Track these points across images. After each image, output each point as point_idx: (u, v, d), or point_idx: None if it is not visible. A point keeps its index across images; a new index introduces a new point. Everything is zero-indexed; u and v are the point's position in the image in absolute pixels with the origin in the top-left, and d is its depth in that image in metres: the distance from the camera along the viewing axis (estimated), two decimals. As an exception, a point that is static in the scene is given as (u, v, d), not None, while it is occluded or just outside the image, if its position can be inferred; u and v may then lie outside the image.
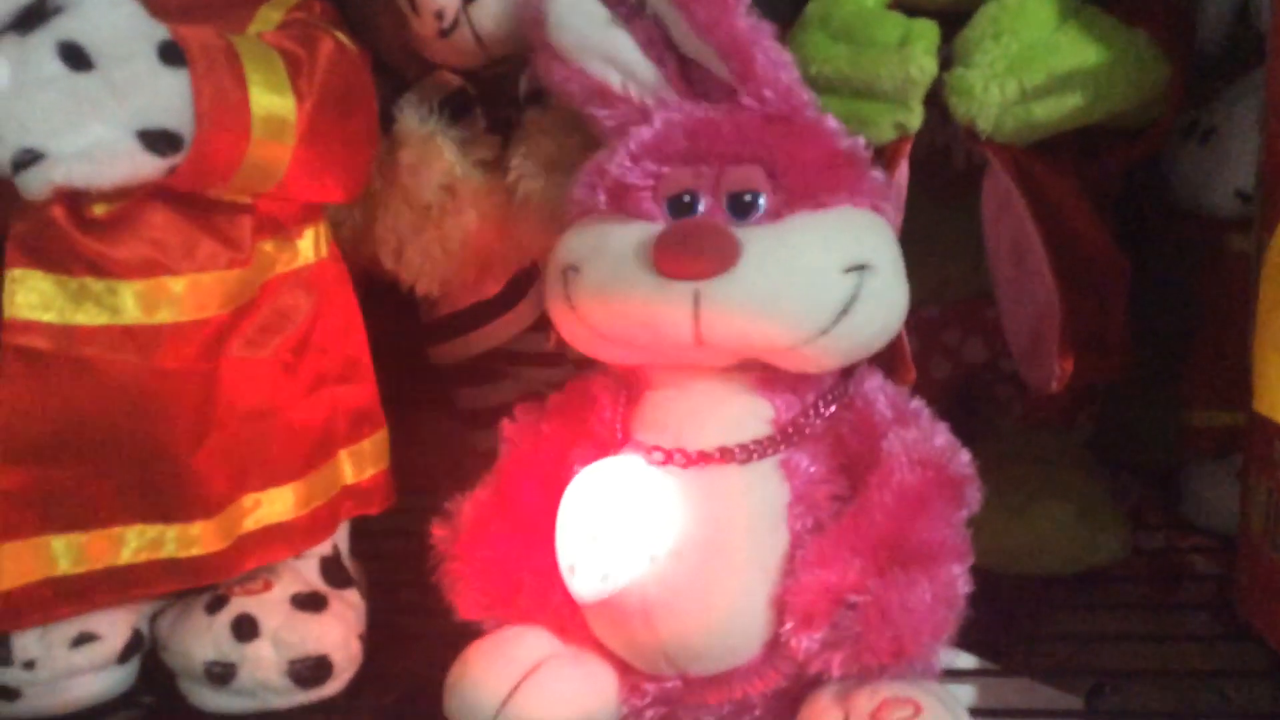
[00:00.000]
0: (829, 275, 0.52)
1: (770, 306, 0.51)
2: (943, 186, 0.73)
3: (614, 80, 0.59)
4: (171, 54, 0.51)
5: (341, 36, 0.60)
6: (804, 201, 0.54)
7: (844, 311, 0.52)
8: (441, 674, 0.56)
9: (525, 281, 0.72)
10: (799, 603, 0.52)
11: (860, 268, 0.52)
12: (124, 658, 0.61)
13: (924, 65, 0.61)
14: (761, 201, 0.54)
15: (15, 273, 0.52)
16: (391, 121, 0.69)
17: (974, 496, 0.55)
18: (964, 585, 0.53)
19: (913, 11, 0.64)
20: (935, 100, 0.63)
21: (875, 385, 0.57)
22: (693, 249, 0.51)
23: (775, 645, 0.53)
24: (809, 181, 0.54)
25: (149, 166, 0.51)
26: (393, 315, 0.74)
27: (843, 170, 0.55)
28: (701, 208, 0.55)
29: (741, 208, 0.54)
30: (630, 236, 0.54)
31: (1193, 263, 0.81)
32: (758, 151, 0.54)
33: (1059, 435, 0.79)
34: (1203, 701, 0.69)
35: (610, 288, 0.54)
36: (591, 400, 0.59)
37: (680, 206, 0.55)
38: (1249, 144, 0.66)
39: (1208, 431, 0.80)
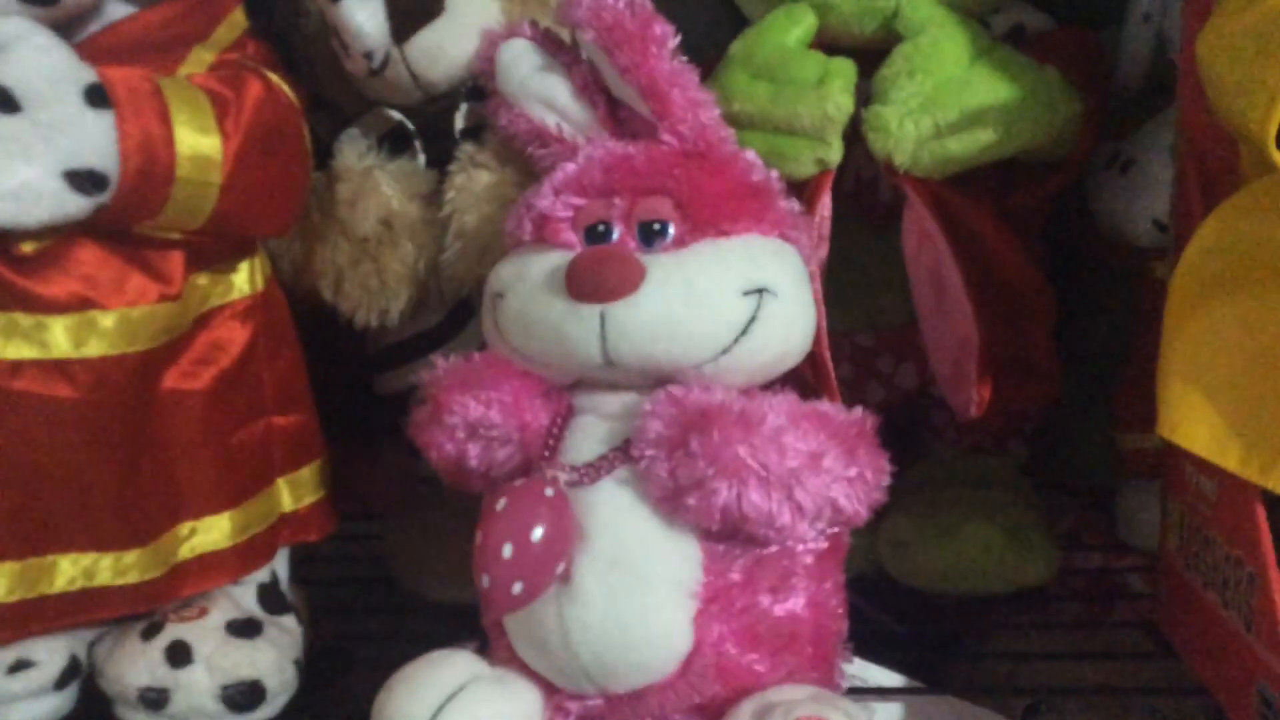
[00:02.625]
0: (727, 298, 0.54)
1: (671, 327, 0.54)
2: (872, 217, 0.75)
3: (550, 122, 0.63)
4: (97, 96, 0.52)
5: (272, 77, 0.62)
6: (709, 229, 0.56)
7: (743, 332, 0.54)
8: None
9: (465, 312, 0.74)
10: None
11: (759, 290, 0.55)
12: (61, 684, 0.61)
13: (841, 103, 0.63)
14: (669, 230, 0.56)
15: None
16: (331, 157, 0.71)
17: None
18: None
19: (833, 49, 0.66)
20: (860, 135, 0.65)
21: None
22: (598, 274, 0.54)
23: (692, 661, 0.54)
24: (714, 211, 0.56)
25: (75, 206, 0.53)
26: (341, 342, 0.75)
27: (749, 200, 0.58)
28: (614, 237, 0.57)
29: (650, 235, 0.56)
30: (548, 264, 0.57)
31: (1121, 289, 0.83)
32: (667, 184, 0.57)
33: (992, 459, 0.81)
34: (1135, 718, 0.71)
35: (529, 312, 0.57)
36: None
37: (595, 235, 0.57)
38: (1166, 176, 0.68)
39: (1139, 454, 0.82)
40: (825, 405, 0.55)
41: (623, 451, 0.56)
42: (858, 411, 0.56)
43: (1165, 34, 0.74)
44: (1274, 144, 0.48)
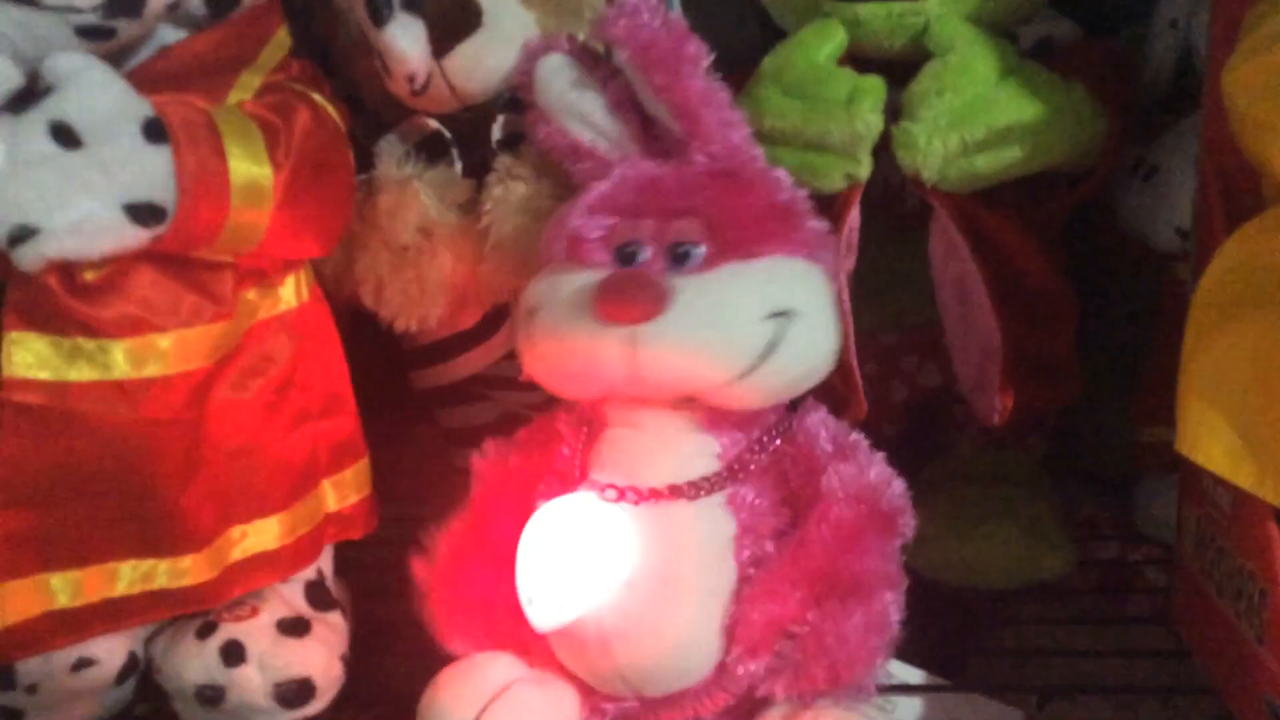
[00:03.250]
0: (751, 320, 0.56)
1: (697, 349, 0.55)
2: (898, 223, 0.76)
3: (585, 137, 0.64)
4: (155, 131, 0.54)
5: (319, 99, 0.63)
6: (736, 251, 0.58)
7: (766, 354, 0.56)
8: (419, 688, 0.59)
9: (500, 314, 0.75)
10: (744, 634, 0.56)
11: (783, 314, 0.56)
12: (121, 679, 0.64)
13: (870, 121, 0.64)
14: (697, 252, 0.58)
15: (13, 335, 0.56)
16: (371, 161, 0.73)
17: (907, 525, 0.59)
18: (896, 612, 0.57)
19: (863, 63, 0.68)
20: (889, 144, 0.66)
21: (818, 420, 0.61)
22: (626, 296, 0.55)
23: (724, 668, 0.57)
24: (742, 233, 0.58)
25: (135, 237, 0.55)
26: (382, 335, 0.77)
27: (777, 222, 0.59)
28: (644, 257, 0.59)
29: (679, 257, 0.58)
30: (579, 283, 0.58)
31: (1143, 288, 0.84)
32: (697, 205, 0.58)
33: (1013, 454, 0.82)
34: (1150, 715, 0.73)
35: (560, 330, 0.58)
36: (555, 437, 0.63)
37: (626, 256, 0.59)
38: (1189, 183, 0.69)
39: (1158, 447, 0.83)
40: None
41: (673, 487, 0.58)
42: None
43: (1191, 41, 0.75)
44: (1294, 182, 0.49)
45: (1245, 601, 0.58)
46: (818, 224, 0.61)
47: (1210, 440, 0.56)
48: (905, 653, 0.67)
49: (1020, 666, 0.79)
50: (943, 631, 0.75)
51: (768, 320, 0.56)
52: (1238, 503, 0.59)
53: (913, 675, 0.68)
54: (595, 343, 0.56)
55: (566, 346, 0.58)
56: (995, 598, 0.78)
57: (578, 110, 0.64)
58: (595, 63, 0.65)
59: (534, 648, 0.61)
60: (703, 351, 0.55)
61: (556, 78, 0.65)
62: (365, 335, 0.76)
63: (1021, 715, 0.68)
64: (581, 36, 0.67)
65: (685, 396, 0.58)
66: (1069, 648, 0.78)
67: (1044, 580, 0.75)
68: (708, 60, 0.59)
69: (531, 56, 0.66)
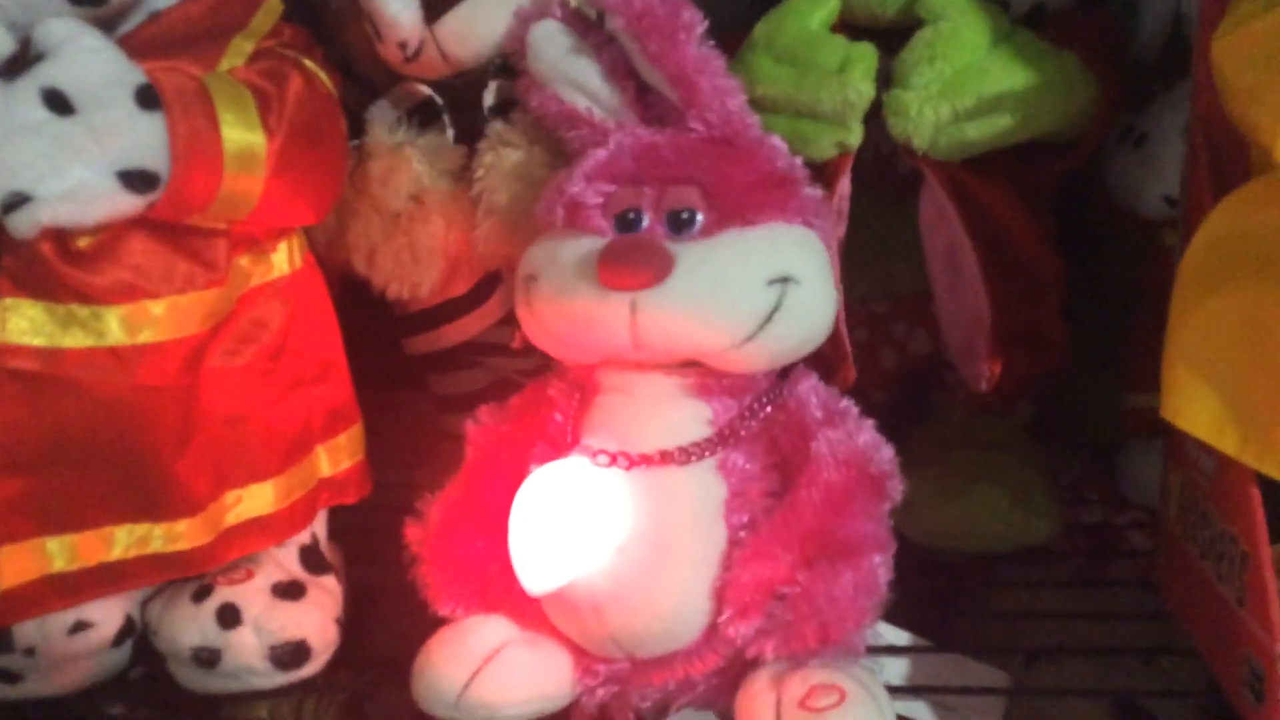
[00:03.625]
0: (753, 286, 0.57)
1: (698, 315, 0.56)
2: (889, 190, 0.76)
3: (580, 104, 0.64)
4: (148, 98, 0.54)
5: (310, 66, 0.63)
6: (735, 219, 0.58)
7: (767, 320, 0.57)
8: (413, 651, 0.61)
9: (492, 281, 0.76)
10: (735, 595, 0.57)
11: (784, 280, 0.57)
12: (118, 642, 0.65)
13: (861, 89, 0.65)
14: (697, 219, 0.58)
15: (6, 301, 0.56)
16: (362, 128, 0.73)
17: (895, 489, 0.60)
18: (885, 574, 0.58)
19: (856, 31, 0.68)
20: (880, 111, 0.66)
21: (808, 387, 0.61)
22: (629, 263, 0.56)
23: (715, 630, 0.58)
24: (741, 200, 0.58)
25: (128, 204, 0.55)
26: (374, 303, 0.78)
27: (775, 189, 0.59)
28: (644, 224, 0.59)
29: (679, 224, 0.58)
30: (580, 250, 0.59)
31: (1130, 255, 0.84)
32: (695, 173, 0.59)
33: (1001, 420, 0.83)
34: (1133, 676, 0.74)
35: (561, 296, 0.59)
36: (547, 403, 0.64)
37: (626, 223, 0.59)
38: (1177, 152, 0.69)
39: (1143, 413, 0.84)
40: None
41: (664, 453, 0.58)
42: None
43: (1182, 9, 0.75)
44: (1280, 151, 0.50)
45: (1227, 564, 0.59)
46: (814, 191, 0.61)
47: (1195, 406, 0.57)
48: (893, 615, 0.68)
49: (1006, 629, 0.80)
50: (930, 594, 0.76)
51: (769, 286, 0.57)
52: (1221, 468, 0.60)
53: (900, 637, 0.69)
54: (598, 308, 0.57)
55: (568, 312, 0.58)
56: (982, 561, 0.79)
57: (571, 77, 0.64)
58: (588, 29, 0.65)
59: (527, 611, 0.61)
60: (705, 317, 0.56)
61: (549, 44, 0.65)
62: (358, 302, 0.76)
63: (1006, 676, 0.69)
64: (574, 2, 0.67)
65: (686, 361, 0.59)
66: (1054, 610, 0.78)
67: (1030, 544, 0.76)
68: (703, 27, 0.59)
69: (524, 22, 0.66)
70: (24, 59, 0.53)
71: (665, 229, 0.59)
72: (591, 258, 0.57)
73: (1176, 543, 0.68)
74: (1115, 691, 0.73)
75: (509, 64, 0.69)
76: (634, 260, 0.56)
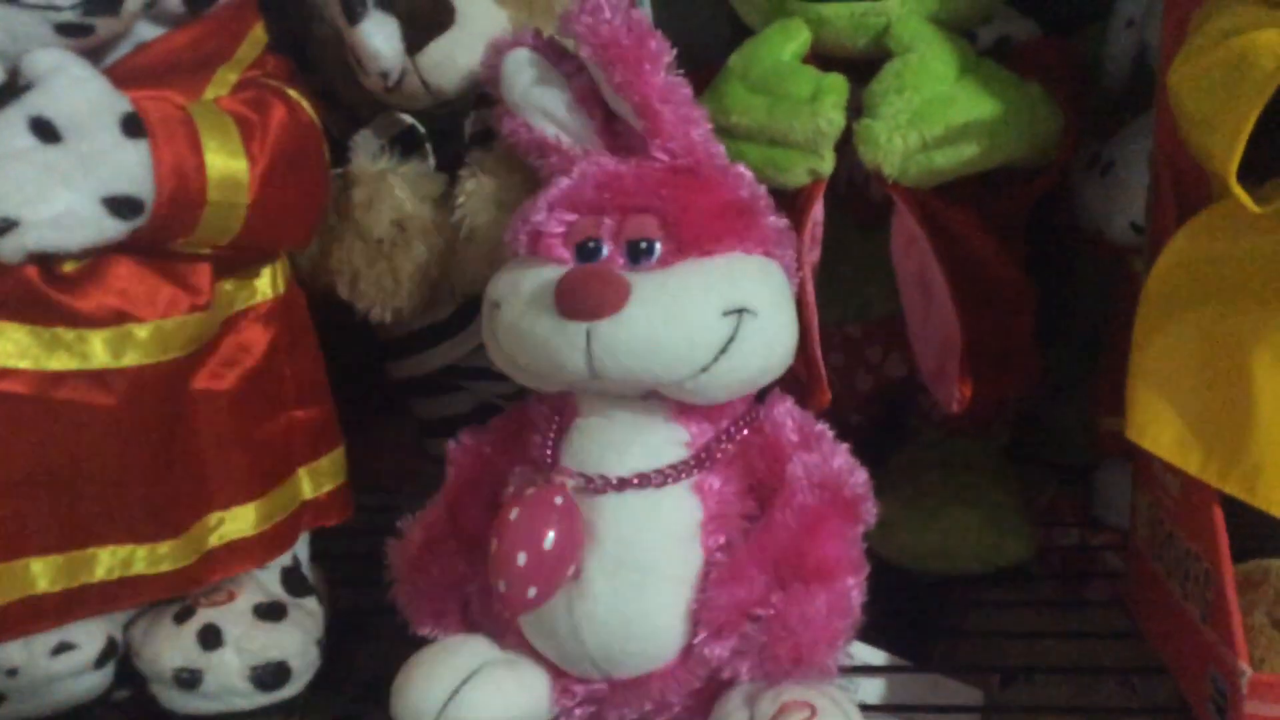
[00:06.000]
0: (708, 317, 0.57)
1: (653, 345, 0.56)
2: (862, 216, 0.78)
3: (549, 132, 0.65)
4: (133, 126, 0.56)
5: (293, 94, 0.65)
6: (693, 249, 0.58)
7: (722, 351, 0.57)
8: (394, 672, 0.61)
9: (474, 306, 0.76)
10: (710, 616, 0.58)
11: (740, 311, 0.57)
12: (100, 663, 0.65)
13: (833, 119, 0.66)
14: (656, 248, 0.59)
15: None
16: (345, 155, 0.74)
17: (869, 512, 0.61)
18: (858, 596, 0.59)
19: (826, 62, 0.69)
20: (852, 139, 0.68)
21: (784, 410, 0.62)
22: (584, 293, 0.56)
23: (691, 651, 0.59)
24: (700, 230, 0.59)
25: (114, 230, 0.56)
26: (356, 327, 0.79)
27: (735, 219, 0.60)
28: (604, 254, 0.59)
29: (637, 254, 0.59)
30: (540, 279, 0.59)
31: (1100, 280, 0.86)
32: (655, 202, 0.59)
33: (975, 443, 0.84)
34: (1108, 696, 0.75)
35: (521, 324, 0.59)
36: (527, 425, 0.65)
37: (586, 252, 0.60)
38: (1143, 180, 0.71)
39: (1117, 435, 0.83)
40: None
41: (641, 476, 0.59)
42: None
43: (1147, 40, 0.77)
44: (1234, 179, 0.51)
45: (1192, 582, 0.61)
46: (777, 221, 0.62)
47: (1158, 427, 0.58)
48: (869, 635, 0.69)
49: (982, 648, 0.81)
50: (906, 615, 0.77)
51: (725, 317, 0.57)
52: (1185, 488, 0.61)
53: (876, 656, 0.70)
54: (555, 338, 0.57)
55: (528, 340, 0.58)
56: (958, 582, 0.80)
57: (541, 105, 0.65)
58: (561, 58, 0.66)
59: (505, 631, 0.62)
60: (659, 347, 0.56)
61: (521, 73, 0.65)
62: (341, 326, 0.77)
63: (983, 695, 0.70)
64: (549, 33, 0.68)
65: (644, 390, 0.59)
66: (1030, 630, 0.79)
67: (1005, 565, 0.77)
68: (669, 57, 0.60)
69: (498, 52, 0.66)
70: (12, 88, 0.55)
71: (624, 259, 0.59)
72: (550, 286, 0.57)
73: (1145, 562, 0.69)
74: (1090, 709, 0.74)
75: (488, 94, 0.70)
76: (589, 290, 0.56)
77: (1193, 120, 0.55)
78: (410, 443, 0.92)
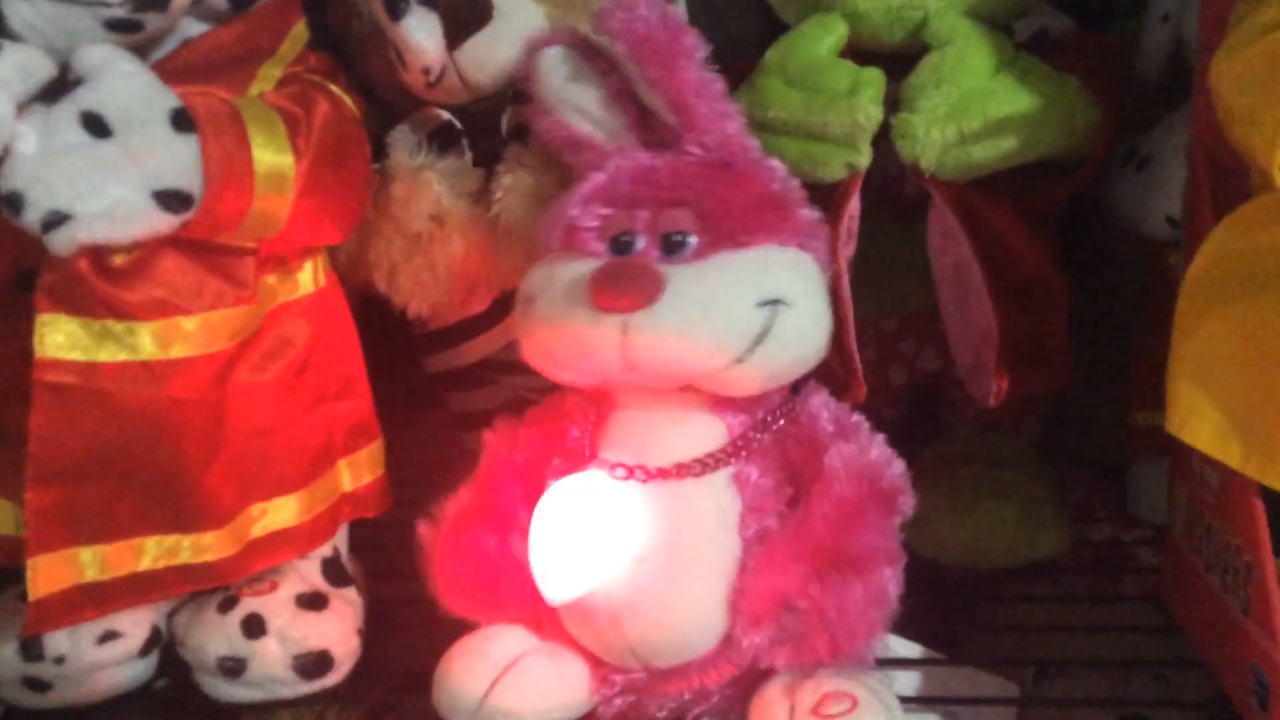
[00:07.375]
0: (742, 308, 0.57)
1: (688, 337, 0.57)
2: (898, 210, 0.78)
3: (584, 129, 0.65)
4: (182, 121, 0.56)
5: (336, 91, 0.65)
6: (728, 241, 0.59)
7: (757, 342, 0.57)
8: (434, 662, 0.62)
9: (509, 301, 0.77)
10: (748, 606, 0.58)
11: (774, 302, 0.58)
12: (144, 652, 0.67)
13: (870, 113, 0.66)
14: (690, 241, 0.59)
15: (45, 317, 0.58)
16: (384, 151, 0.75)
17: (906, 503, 0.61)
18: (894, 587, 0.59)
19: (863, 56, 0.70)
20: (888, 134, 0.68)
21: (819, 401, 0.63)
22: (620, 285, 0.57)
23: (729, 640, 0.59)
24: (734, 223, 0.59)
25: (163, 223, 0.57)
26: (393, 322, 0.79)
27: (769, 212, 0.60)
28: (638, 247, 0.60)
29: (672, 247, 0.59)
30: (574, 272, 0.59)
31: (1135, 275, 0.86)
32: (689, 196, 0.60)
33: (1008, 438, 0.84)
34: (1141, 690, 0.75)
35: (555, 318, 0.59)
36: (564, 417, 0.65)
37: (620, 246, 0.61)
38: (1180, 174, 0.70)
39: (1150, 430, 0.85)
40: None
41: (680, 466, 0.60)
42: None
43: (1183, 34, 0.77)
44: (1278, 170, 0.51)
45: (1232, 576, 0.61)
46: (810, 213, 0.62)
47: (1198, 420, 0.58)
48: (904, 628, 0.70)
49: (1016, 642, 0.81)
50: (941, 608, 0.77)
51: (758, 308, 0.57)
52: (1225, 480, 0.61)
53: (911, 649, 0.70)
54: (590, 331, 0.57)
55: (563, 335, 0.59)
56: (992, 576, 0.80)
57: (576, 102, 0.65)
58: (595, 55, 0.66)
59: (544, 619, 0.63)
60: (694, 339, 0.57)
61: (556, 70, 0.66)
62: (379, 320, 0.78)
63: (1017, 689, 0.70)
64: (584, 29, 0.69)
65: (680, 383, 0.60)
66: (1064, 624, 0.79)
67: (1039, 559, 0.77)
68: (703, 53, 0.60)
69: (533, 49, 0.67)
70: (63, 83, 0.56)
71: (659, 252, 0.60)
72: (584, 280, 0.58)
73: (1183, 556, 0.69)
74: (1124, 703, 0.74)
75: (524, 90, 0.71)
76: (624, 282, 0.57)
77: (1234, 115, 0.55)
78: (446, 437, 0.92)
